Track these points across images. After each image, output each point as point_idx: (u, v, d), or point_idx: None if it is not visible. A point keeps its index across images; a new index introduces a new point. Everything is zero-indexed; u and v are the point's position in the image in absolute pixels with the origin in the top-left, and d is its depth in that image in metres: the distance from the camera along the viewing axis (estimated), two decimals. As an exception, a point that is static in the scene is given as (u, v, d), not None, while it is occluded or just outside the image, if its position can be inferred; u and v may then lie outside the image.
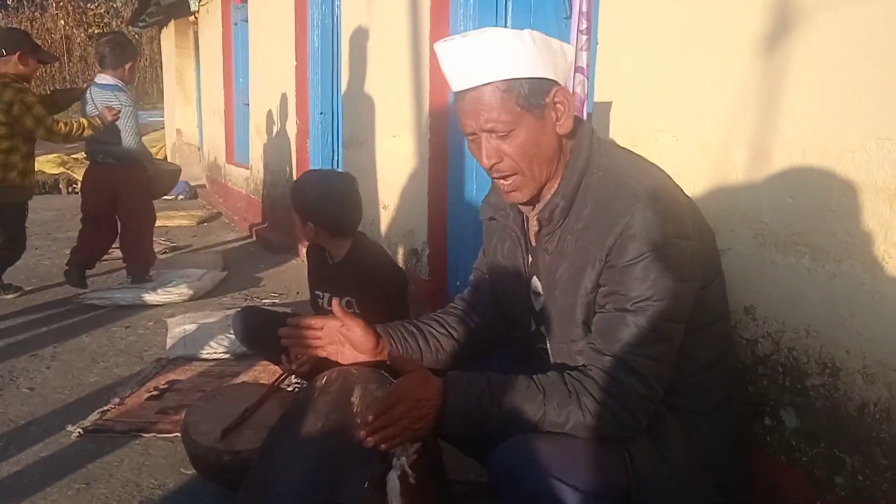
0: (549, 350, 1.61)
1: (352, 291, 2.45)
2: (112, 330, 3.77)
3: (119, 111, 4.26)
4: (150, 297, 4.24)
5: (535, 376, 1.41)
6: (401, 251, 4.01)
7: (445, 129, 3.56)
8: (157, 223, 4.90)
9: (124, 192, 4.43)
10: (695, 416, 1.50)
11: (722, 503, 1.54)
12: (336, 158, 5.48)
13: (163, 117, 13.35)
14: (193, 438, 1.99)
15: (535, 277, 1.62)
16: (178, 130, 11.98)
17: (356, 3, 4.45)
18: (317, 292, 2.65)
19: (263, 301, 4.38)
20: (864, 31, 1.52)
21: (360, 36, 4.37)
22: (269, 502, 1.49)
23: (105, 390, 2.94)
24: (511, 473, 1.35)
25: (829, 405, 1.65)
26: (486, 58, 1.39)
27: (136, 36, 17.32)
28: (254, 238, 6.50)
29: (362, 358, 1.68)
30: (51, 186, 9.95)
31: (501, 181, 1.49)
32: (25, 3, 20.38)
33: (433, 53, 3.43)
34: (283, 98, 6.02)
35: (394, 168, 4.02)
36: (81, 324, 3.86)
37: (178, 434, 2.23)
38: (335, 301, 1.70)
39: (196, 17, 10.06)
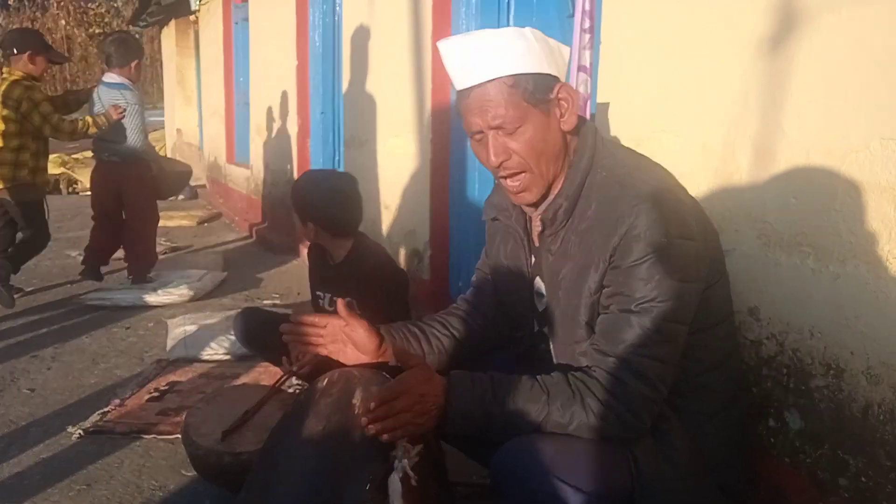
0: (552, 351, 1.60)
1: (352, 292, 2.44)
2: (113, 331, 3.77)
3: (125, 109, 4.28)
4: (151, 298, 4.24)
5: (538, 377, 1.41)
6: (402, 251, 4.00)
7: (447, 129, 3.55)
8: (158, 223, 4.89)
9: (128, 190, 4.45)
10: (699, 417, 1.50)
11: (725, 505, 1.53)
12: (337, 158, 5.47)
13: (163, 117, 13.36)
14: (194, 440, 1.99)
15: (538, 278, 1.61)
16: (178, 130, 11.98)
17: (357, 3, 4.44)
18: (318, 293, 2.65)
19: (264, 302, 4.38)
20: (868, 31, 1.51)
21: (362, 35, 4.36)
22: (270, 504, 1.48)
23: (105, 391, 2.94)
24: (514, 474, 1.34)
25: (833, 406, 1.64)
26: (490, 54, 1.39)
27: (137, 35, 17.33)
28: (254, 238, 6.50)
29: (364, 358, 1.67)
30: (51, 186, 9.95)
31: (509, 182, 1.48)
32: (26, 3, 20.41)
33: (435, 52, 3.44)
34: (284, 97, 6.01)
35: (395, 168, 4.02)
36: (82, 325, 3.86)
37: (179, 435, 2.22)
38: (340, 301, 1.70)
39: (196, 17, 10.06)
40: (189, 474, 2.21)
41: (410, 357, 1.50)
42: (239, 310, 2.61)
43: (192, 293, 4.33)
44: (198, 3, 9.42)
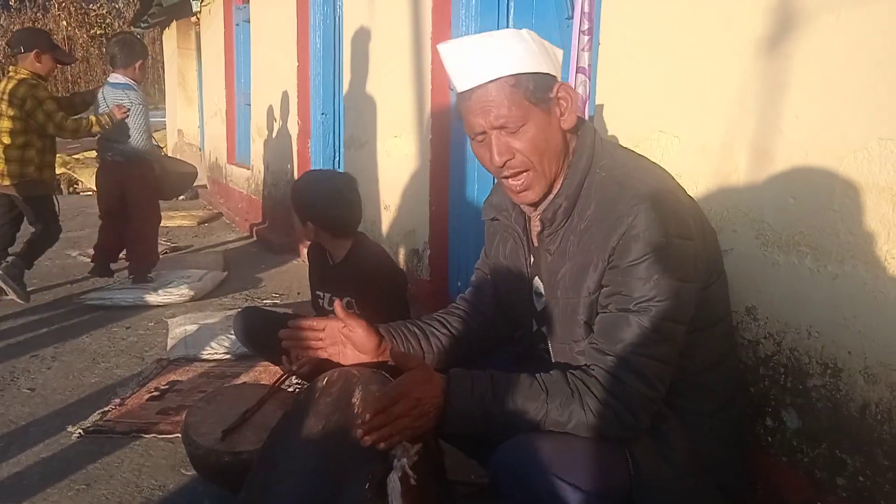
0: (551, 350, 1.61)
1: (352, 292, 2.45)
2: (113, 330, 3.77)
3: (129, 109, 4.31)
4: (151, 298, 4.24)
5: (537, 375, 1.41)
6: (402, 251, 4.00)
7: (447, 130, 3.55)
8: (160, 223, 4.90)
9: (130, 190, 4.48)
10: (697, 416, 1.50)
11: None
12: (337, 159, 5.48)
13: (164, 118, 13.37)
14: (194, 439, 1.99)
15: (537, 278, 1.61)
16: (179, 131, 11.98)
17: (358, 4, 4.45)
18: (317, 292, 2.65)
19: (264, 301, 4.38)
20: (866, 32, 1.51)
21: (362, 36, 4.37)
22: (269, 503, 1.48)
23: (105, 391, 2.94)
24: (513, 472, 1.34)
25: (830, 406, 1.64)
26: (490, 55, 1.40)
27: (139, 36, 17.33)
28: (255, 238, 6.51)
29: (364, 358, 1.68)
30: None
31: (511, 182, 1.48)
32: (28, 4, 20.41)
33: (435, 54, 3.46)
34: (285, 98, 6.02)
35: (395, 168, 4.02)
36: (82, 324, 3.86)
37: (179, 435, 2.22)
38: (337, 301, 1.70)
39: (198, 18, 10.07)
40: (189, 473, 2.22)
41: (409, 359, 1.50)
42: (239, 309, 2.61)
43: (192, 293, 4.34)
44: (199, 4, 9.43)
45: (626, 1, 2.22)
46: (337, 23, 5.29)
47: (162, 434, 2.49)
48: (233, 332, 2.74)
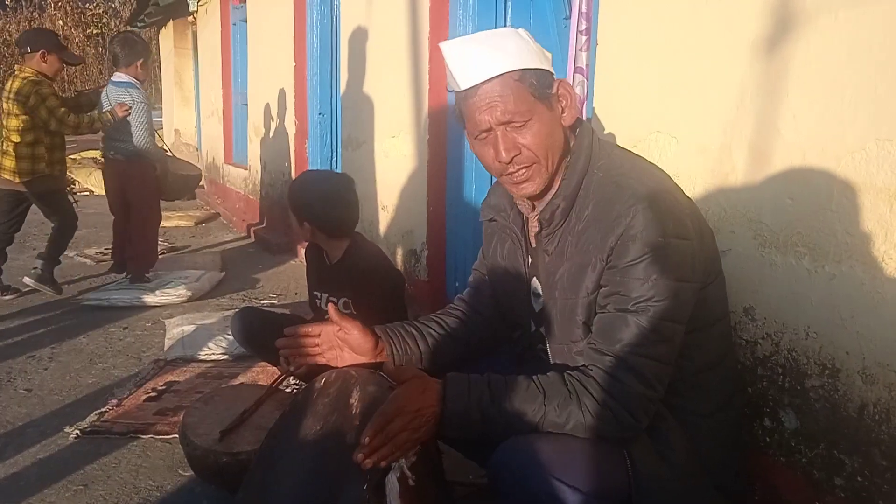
0: (549, 351, 1.61)
1: (348, 292, 2.45)
2: (110, 331, 3.76)
3: (130, 107, 4.35)
4: (149, 299, 4.24)
5: (534, 377, 1.41)
6: (400, 252, 4.00)
7: (445, 130, 3.55)
8: (160, 223, 4.91)
9: (130, 188, 4.51)
10: (695, 417, 1.50)
11: (722, 504, 1.54)
12: (335, 159, 5.48)
13: (161, 117, 13.35)
14: (191, 440, 1.99)
15: (535, 278, 1.61)
16: (176, 131, 11.98)
17: (355, 4, 4.44)
18: (315, 292, 2.65)
19: (262, 302, 4.38)
20: (864, 32, 1.51)
21: (360, 36, 4.37)
22: (267, 504, 1.48)
23: (103, 391, 2.93)
24: (511, 474, 1.34)
25: (828, 406, 1.64)
26: (493, 51, 1.40)
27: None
28: (252, 239, 6.50)
29: (361, 360, 1.68)
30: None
31: (514, 174, 1.47)
32: (24, 3, 20.37)
33: (433, 54, 3.46)
34: (282, 98, 6.01)
35: (393, 169, 4.02)
36: (79, 325, 3.85)
37: (177, 435, 2.22)
38: (331, 304, 1.71)
39: (195, 18, 10.06)
40: (186, 474, 2.21)
41: (403, 371, 1.49)
42: (237, 310, 2.61)
43: (189, 293, 4.33)
44: (196, 4, 9.42)
45: (624, 1, 2.22)
46: (334, 23, 5.29)
47: (159, 435, 2.49)
48: (230, 332, 2.74)
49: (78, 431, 2.51)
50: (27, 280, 4.42)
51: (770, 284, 1.76)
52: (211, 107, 9.21)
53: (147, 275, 4.56)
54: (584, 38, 2.18)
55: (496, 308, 1.78)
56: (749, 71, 1.78)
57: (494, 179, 1.73)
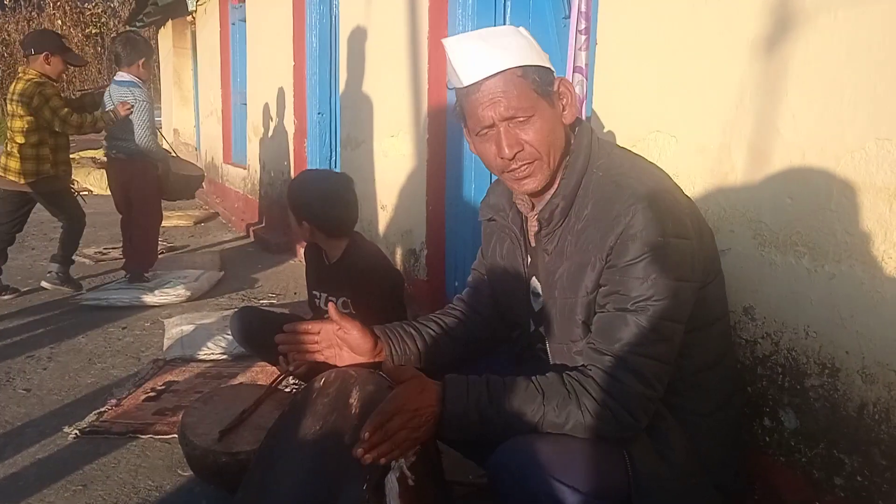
0: (549, 350, 1.61)
1: (347, 292, 2.45)
2: (109, 331, 3.76)
3: (132, 106, 4.38)
4: (148, 298, 4.24)
5: (533, 377, 1.41)
6: (399, 251, 4.00)
7: (444, 129, 3.55)
8: (161, 223, 4.92)
9: (132, 187, 4.54)
10: (694, 416, 1.50)
11: (721, 504, 1.54)
12: (334, 158, 5.48)
13: (160, 117, 13.35)
14: (191, 440, 1.99)
15: (534, 278, 1.61)
16: (175, 130, 11.97)
17: (355, 3, 4.44)
18: (314, 292, 2.65)
19: (261, 301, 4.38)
20: (864, 32, 1.51)
21: (359, 36, 4.36)
22: (266, 504, 1.48)
23: (102, 391, 2.93)
24: (511, 474, 1.34)
25: (828, 406, 1.64)
26: (497, 47, 1.40)
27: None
28: (251, 238, 6.50)
29: (360, 360, 1.68)
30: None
31: (516, 170, 1.47)
32: (22, 3, 20.35)
33: (432, 53, 3.46)
34: (281, 98, 6.01)
35: (392, 168, 4.02)
36: (78, 325, 3.85)
37: (176, 435, 2.22)
38: (331, 304, 1.70)
39: (193, 17, 10.05)
40: (186, 474, 2.21)
41: (402, 371, 1.49)
42: (236, 309, 2.61)
43: (188, 293, 4.33)
44: (195, 3, 9.41)
45: (623, 0, 2.22)
46: (333, 22, 5.28)
47: (158, 435, 2.49)
48: (229, 332, 2.73)
49: (77, 431, 2.51)
50: (45, 284, 4.49)
51: (770, 284, 1.76)
52: (210, 106, 9.21)
53: (146, 274, 4.56)
54: (583, 37, 2.18)
55: (495, 308, 1.78)
56: (748, 70, 1.78)
57: (494, 179, 1.73)
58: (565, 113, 1.48)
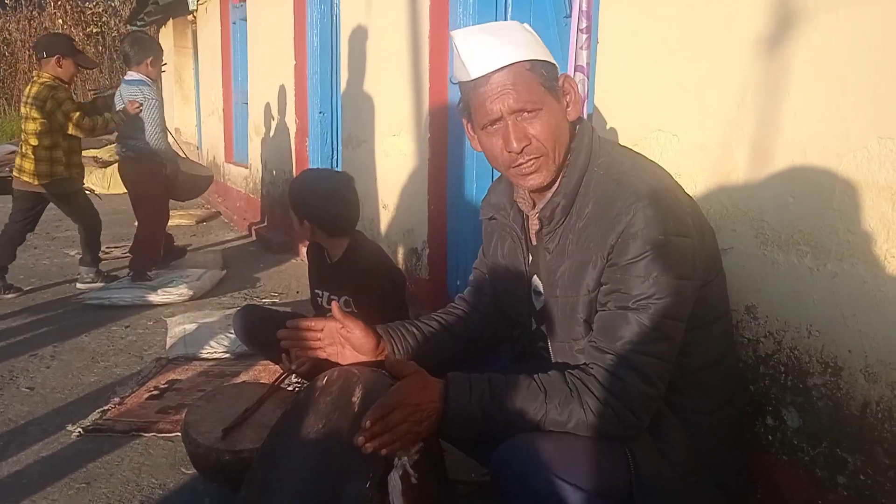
0: (550, 349, 1.61)
1: (349, 290, 2.45)
2: (112, 329, 3.76)
3: (141, 104, 4.45)
4: (150, 297, 4.24)
5: (536, 376, 1.41)
6: (401, 250, 4.00)
7: (445, 128, 3.55)
8: (167, 223, 4.97)
9: (139, 184, 4.60)
10: (696, 414, 1.50)
11: (723, 502, 1.53)
12: (335, 157, 5.48)
13: (162, 116, 13.33)
14: (194, 438, 1.99)
15: (535, 276, 1.61)
16: (176, 129, 11.96)
17: (356, 3, 4.44)
18: (316, 291, 2.65)
19: (263, 300, 4.38)
20: (865, 30, 1.51)
21: (360, 35, 4.36)
22: (269, 502, 1.48)
23: (105, 390, 2.94)
24: (513, 472, 1.35)
25: (830, 405, 1.64)
26: (506, 41, 1.41)
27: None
28: (253, 237, 6.50)
29: (363, 359, 1.68)
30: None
31: (523, 165, 1.47)
32: (23, 2, 20.33)
33: (433, 52, 3.46)
34: (282, 97, 6.01)
35: (393, 167, 4.02)
36: (81, 323, 3.85)
37: (179, 433, 2.23)
38: (334, 302, 1.70)
39: (194, 16, 10.06)
40: (189, 472, 2.22)
41: (404, 366, 1.49)
42: (238, 308, 2.61)
43: (191, 292, 4.33)
44: (196, 2, 9.41)
45: (625, -1, 2.23)
46: (334, 21, 5.28)
47: (162, 433, 2.49)
48: (232, 330, 2.74)
49: (80, 429, 2.52)
50: (81, 286, 4.55)
51: (772, 283, 1.77)
52: (211, 105, 9.21)
53: (149, 273, 4.57)
54: (584, 36, 2.18)
55: (497, 306, 1.78)
56: (750, 69, 1.78)
57: (495, 178, 1.74)
58: (569, 110, 1.49)
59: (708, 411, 1.51)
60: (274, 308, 3.71)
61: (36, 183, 4.30)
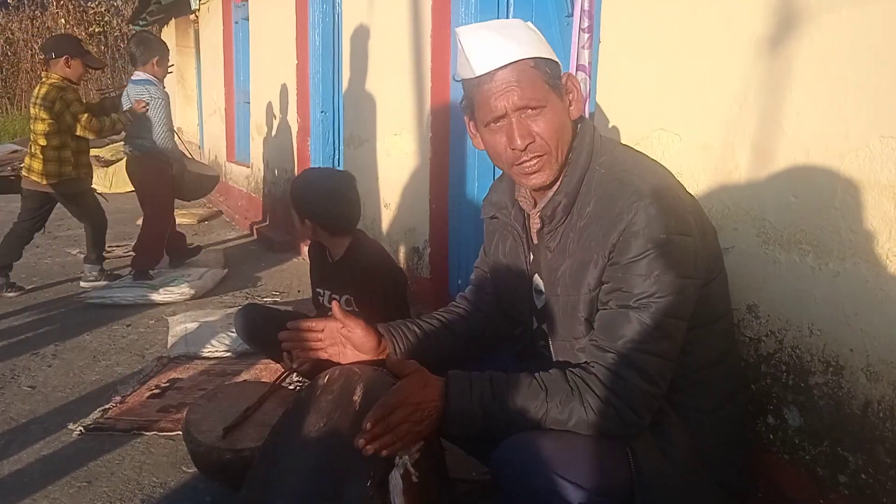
0: (552, 348, 1.61)
1: (350, 289, 2.45)
2: (113, 328, 3.77)
3: (148, 103, 4.47)
4: (152, 296, 4.25)
5: (536, 374, 1.41)
6: (402, 249, 4.00)
7: (447, 128, 3.55)
8: (172, 223, 4.97)
9: (144, 182, 4.62)
10: (697, 413, 1.50)
11: (725, 501, 1.53)
12: (337, 157, 5.48)
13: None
14: (195, 437, 1.99)
15: (536, 275, 1.61)
16: (178, 128, 11.96)
17: (357, 2, 4.44)
18: (317, 290, 2.65)
19: (265, 299, 4.38)
20: (867, 30, 1.51)
21: (362, 34, 4.37)
22: (270, 501, 1.48)
23: (106, 388, 2.94)
24: (514, 470, 1.34)
25: (832, 404, 1.64)
26: (510, 38, 1.41)
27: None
28: (255, 236, 6.50)
29: (364, 358, 1.68)
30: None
31: (526, 163, 1.47)
32: (26, 2, 20.36)
33: (435, 52, 3.46)
34: (284, 96, 6.01)
35: (395, 166, 4.02)
36: (83, 322, 3.85)
37: (180, 432, 2.23)
38: (335, 302, 1.70)
39: (196, 16, 10.06)
40: (190, 471, 2.22)
41: (405, 365, 1.49)
42: (240, 307, 2.61)
43: (192, 291, 4.34)
44: (198, 2, 9.41)
45: (626, -2, 2.22)
46: (336, 20, 5.28)
47: (163, 431, 2.49)
48: (233, 329, 2.74)
49: (81, 428, 2.52)
50: (84, 285, 4.58)
51: (774, 282, 1.76)
52: (213, 105, 9.21)
53: (150, 272, 4.57)
54: (586, 35, 2.18)
55: (498, 305, 1.78)
56: (752, 68, 1.77)
57: (496, 177, 1.74)
58: (571, 108, 1.49)
59: (709, 410, 1.51)
60: (275, 307, 3.71)
61: (44, 183, 4.33)
